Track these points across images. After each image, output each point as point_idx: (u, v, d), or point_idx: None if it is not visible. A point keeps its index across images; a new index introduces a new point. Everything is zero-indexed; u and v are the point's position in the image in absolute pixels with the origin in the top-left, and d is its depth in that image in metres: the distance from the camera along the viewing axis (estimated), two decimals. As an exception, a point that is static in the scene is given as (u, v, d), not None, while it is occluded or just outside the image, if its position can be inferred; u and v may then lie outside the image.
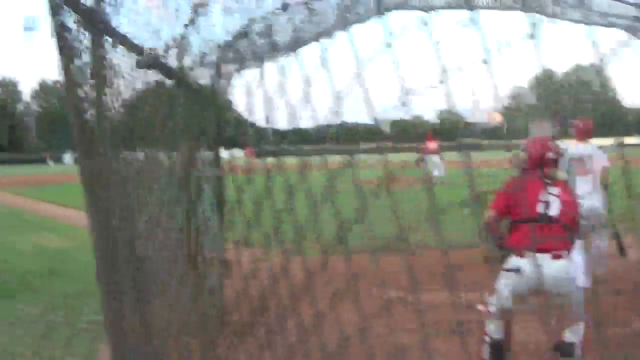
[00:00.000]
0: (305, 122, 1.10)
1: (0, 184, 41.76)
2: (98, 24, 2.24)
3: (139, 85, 2.18)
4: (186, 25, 2.55)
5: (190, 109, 3.59)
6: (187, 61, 4.25)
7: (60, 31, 2.50)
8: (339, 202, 1.04)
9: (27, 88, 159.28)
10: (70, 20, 2.39)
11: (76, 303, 8.90)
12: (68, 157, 77.91)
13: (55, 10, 2.43)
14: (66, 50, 2.59)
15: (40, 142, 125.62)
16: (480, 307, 7.74)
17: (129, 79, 2.20)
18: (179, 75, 3.14)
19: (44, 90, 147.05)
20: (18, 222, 19.26)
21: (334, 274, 1.01)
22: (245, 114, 1.33)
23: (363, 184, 1.59)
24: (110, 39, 2.28)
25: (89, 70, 2.48)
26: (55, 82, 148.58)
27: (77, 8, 2.37)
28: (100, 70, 2.41)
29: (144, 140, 1.94)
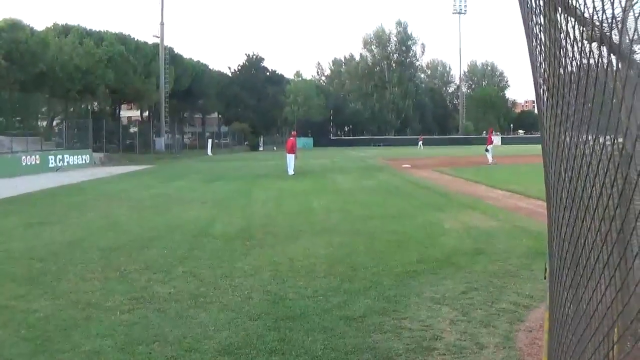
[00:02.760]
0: None
1: (429, 164, 44.29)
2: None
3: (585, 61, 2.03)
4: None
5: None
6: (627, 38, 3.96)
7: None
8: None
9: (457, 71, 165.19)
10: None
11: (499, 283, 9.03)
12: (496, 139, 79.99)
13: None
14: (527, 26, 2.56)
15: (469, 124, 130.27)
16: None
17: (577, 56, 2.06)
18: (621, 53, 2.91)
19: (474, 72, 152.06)
20: (445, 201, 20.12)
21: None
22: None
23: None
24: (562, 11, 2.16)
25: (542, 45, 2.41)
26: (484, 64, 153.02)
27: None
28: (553, 46, 2.32)
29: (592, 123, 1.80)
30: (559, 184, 2.42)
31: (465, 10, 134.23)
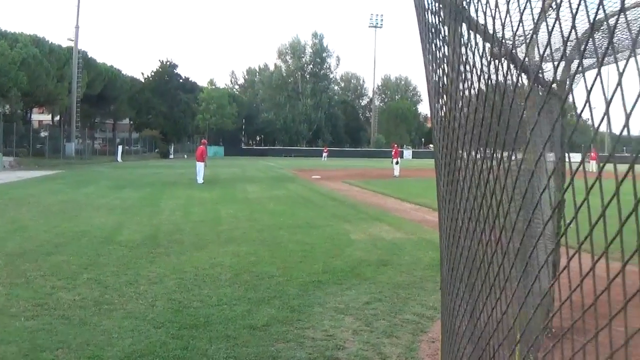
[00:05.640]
0: None
1: (338, 176, 44.62)
2: (457, 9, 2.17)
3: (492, 78, 2.05)
4: (540, 17, 2.37)
5: (536, 107, 3.44)
6: (535, 55, 4.08)
7: (422, 14, 2.50)
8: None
9: (371, 84, 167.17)
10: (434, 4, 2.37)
11: (403, 294, 9.14)
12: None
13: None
14: (427, 39, 2.59)
15: (380, 137, 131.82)
16: None
17: (483, 71, 2.09)
18: (529, 70, 2.98)
19: (387, 85, 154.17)
20: (353, 212, 20.27)
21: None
22: (587, 117, 1.17)
23: None
24: (465, 26, 2.19)
25: (444, 60, 2.44)
26: (398, 78, 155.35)
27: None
28: (455, 61, 2.34)
29: (494, 137, 1.83)
30: (449, 197, 2.45)
31: (382, 25, 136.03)
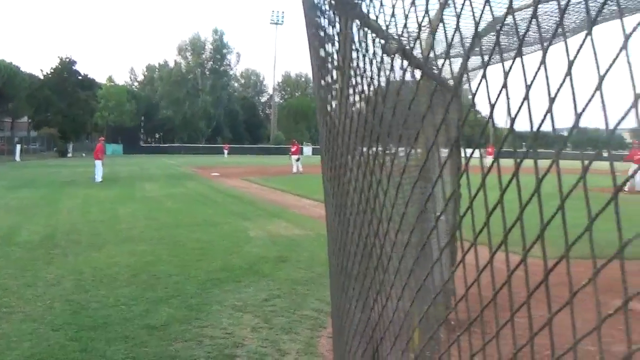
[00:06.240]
0: (546, 125, 0.95)
1: (237, 172, 44.42)
2: (348, 5, 2.16)
3: (385, 76, 2.05)
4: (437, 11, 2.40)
5: (434, 104, 3.48)
6: (433, 53, 4.15)
7: (312, 14, 2.47)
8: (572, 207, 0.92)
9: (271, 81, 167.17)
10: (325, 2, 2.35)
11: (302, 290, 9.19)
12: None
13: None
14: (316, 36, 2.57)
15: (280, 134, 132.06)
16: None
17: (376, 68, 2.09)
18: (425, 67, 3.02)
19: (287, 82, 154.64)
20: (251, 209, 20.22)
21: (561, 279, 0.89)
22: (485, 113, 1.19)
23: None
24: (359, 22, 2.18)
25: (336, 58, 2.43)
26: (298, 75, 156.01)
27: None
28: (346, 58, 2.34)
29: (387, 133, 1.83)
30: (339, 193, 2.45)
31: (283, 21, 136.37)
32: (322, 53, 2.68)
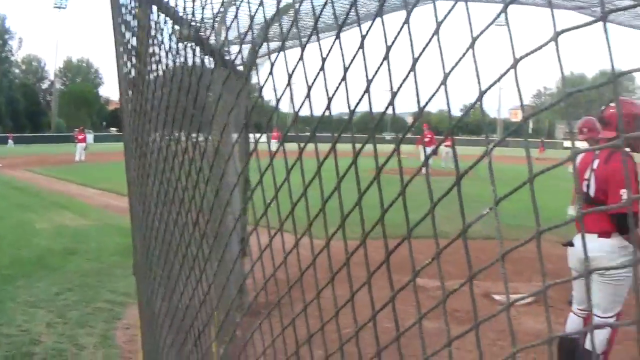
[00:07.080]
0: (330, 110, 1.03)
1: (20, 163, 42.14)
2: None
3: (181, 62, 2.07)
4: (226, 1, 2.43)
5: (226, 91, 3.51)
6: (226, 38, 4.17)
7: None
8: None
9: (52, 66, 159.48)
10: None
11: (93, 282, 8.97)
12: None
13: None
14: (116, 22, 2.53)
15: (61, 121, 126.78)
16: (497, 296, 7.86)
17: (172, 55, 2.09)
18: (216, 53, 3.04)
19: (69, 68, 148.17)
20: (37, 201, 19.30)
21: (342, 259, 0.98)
22: (271, 98, 1.25)
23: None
24: (156, 9, 2.18)
25: (135, 45, 2.40)
26: (80, 61, 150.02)
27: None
28: (143, 44, 2.32)
29: (180, 121, 1.84)
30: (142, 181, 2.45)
31: (66, 5, 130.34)
32: (123, 38, 2.65)
